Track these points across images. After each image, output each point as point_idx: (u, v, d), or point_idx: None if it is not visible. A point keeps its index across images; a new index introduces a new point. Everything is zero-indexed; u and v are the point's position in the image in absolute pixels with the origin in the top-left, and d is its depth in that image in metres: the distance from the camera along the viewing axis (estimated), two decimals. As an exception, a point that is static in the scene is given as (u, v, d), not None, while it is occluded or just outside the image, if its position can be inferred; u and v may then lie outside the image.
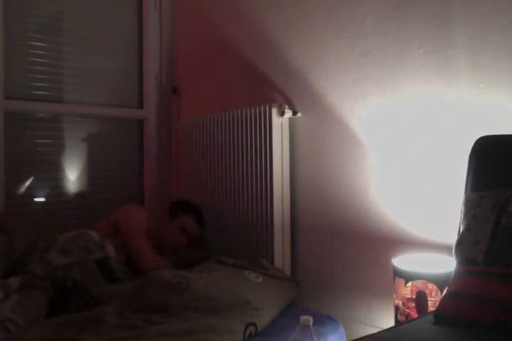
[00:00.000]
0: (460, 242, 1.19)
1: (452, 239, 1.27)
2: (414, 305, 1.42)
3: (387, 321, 1.71)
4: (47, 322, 1.52)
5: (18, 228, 1.98)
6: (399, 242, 1.73)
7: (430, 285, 1.39)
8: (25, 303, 1.55)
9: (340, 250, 1.94)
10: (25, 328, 1.47)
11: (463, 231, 1.21)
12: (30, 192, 2.42)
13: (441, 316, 1.14)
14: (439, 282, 1.38)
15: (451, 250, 1.22)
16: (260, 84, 2.27)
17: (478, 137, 1.37)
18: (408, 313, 1.43)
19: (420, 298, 1.40)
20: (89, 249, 1.82)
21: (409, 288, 1.42)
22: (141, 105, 2.79)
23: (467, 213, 1.23)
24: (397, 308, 1.48)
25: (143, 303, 1.53)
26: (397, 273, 1.48)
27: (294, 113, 2.07)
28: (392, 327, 1.22)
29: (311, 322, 1.11)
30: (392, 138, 1.77)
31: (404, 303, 1.44)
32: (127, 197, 2.73)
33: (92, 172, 2.61)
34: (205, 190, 2.37)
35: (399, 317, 1.47)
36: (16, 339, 1.41)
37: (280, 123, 2.07)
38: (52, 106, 2.48)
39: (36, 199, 2.44)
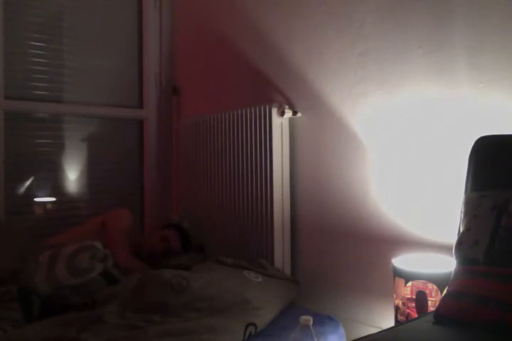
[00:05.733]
0: (460, 242, 1.19)
1: (452, 239, 1.27)
2: (414, 305, 1.42)
3: (387, 321, 1.71)
4: (47, 321, 1.52)
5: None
6: (399, 242, 1.73)
7: (430, 285, 1.39)
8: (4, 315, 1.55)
9: (340, 250, 1.94)
10: (25, 327, 1.47)
11: (463, 231, 1.21)
12: (30, 192, 2.42)
13: (441, 316, 1.14)
14: (439, 282, 1.38)
15: (451, 250, 1.22)
16: (260, 84, 2.27)
17: (478, 137, 1.37)
18: (408, 313, 1.43)
19: (420, 298, 1.40)
20: (94, 267, 1.82)
21: (409, 288, 1.42)
22: (141, 105, 2.79)
23: (467, 213, 1.23)
24: (397, 308, 1.48)
25: (143, 303, 1.53)
26: (397, 273, 1.48)
27: (294, 113, 2.07)
28: (392, 327, 1.22)
29: (311, 322, 1.11)
30: (392, 138, 1.77)
31: (404, 303, 1.44)
32: (127, 197, 2.74)
33: (92, 172, 2.61)
34: (205, 190, 2.37)
35: (399, 317, 1.47)
36: (15, 339, 1.41)
37: (280, 123, 2.07)
38: (52, 106, 2.47)
39: (36, 199, 2.44)
